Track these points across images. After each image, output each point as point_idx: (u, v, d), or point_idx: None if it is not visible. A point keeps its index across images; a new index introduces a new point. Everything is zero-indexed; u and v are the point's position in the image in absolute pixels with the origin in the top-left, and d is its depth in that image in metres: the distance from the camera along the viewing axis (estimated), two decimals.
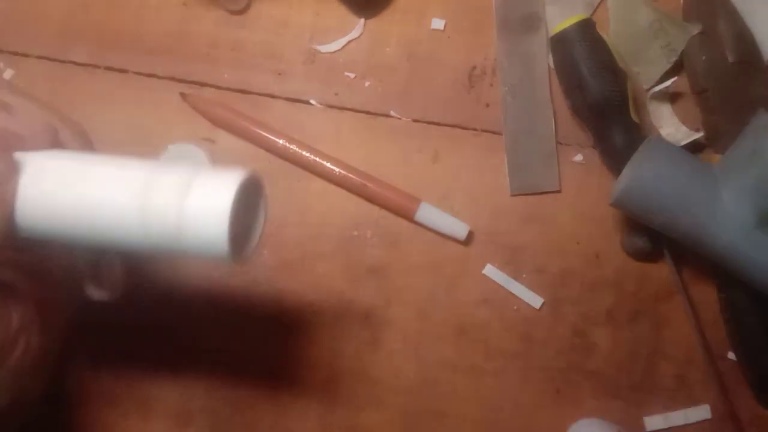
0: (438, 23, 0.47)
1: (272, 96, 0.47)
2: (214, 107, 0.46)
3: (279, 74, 0.47)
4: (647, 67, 0.47)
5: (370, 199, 0.46)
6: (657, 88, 0.45)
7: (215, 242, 0.27)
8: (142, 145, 0.46)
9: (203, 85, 0.47)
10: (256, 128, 0.46)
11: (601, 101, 0.43)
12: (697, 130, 0.46)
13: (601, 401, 0.46)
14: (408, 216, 0.46)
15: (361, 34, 0.47)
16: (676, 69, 0.47)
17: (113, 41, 0.47)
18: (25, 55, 0.47)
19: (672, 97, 0.47)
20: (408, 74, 0.47)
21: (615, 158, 0.45)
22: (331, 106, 0.47)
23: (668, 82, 0.45)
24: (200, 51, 0.47)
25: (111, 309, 0.45)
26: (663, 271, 0.46)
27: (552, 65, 0.47)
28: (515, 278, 0.46)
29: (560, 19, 0.45)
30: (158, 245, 0.29)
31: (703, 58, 0.45)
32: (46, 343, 0.36)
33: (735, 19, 0.45)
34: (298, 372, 0.46)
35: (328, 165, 0.46)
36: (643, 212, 0.41)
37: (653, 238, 0.45)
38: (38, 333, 0.35)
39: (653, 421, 0.46)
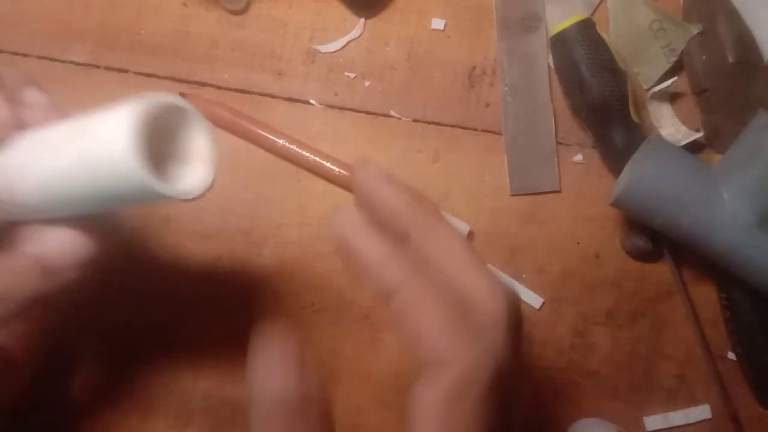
0: (438, 23, 0.47)
1: (272, 96, 0.47)
2: (214, 107, 0.46)
3: (279, 74, 0.47)
4: (647, 67, 0.47)
5: None
6: (657, 88, 0.45)
7: (127, 169, 0.25)
8: None
9: (203, 85, 0.47)
10: (256, 128, 0.46)
11: (601, 101, 0.43)
12: (697, 130, 0.46)
13: (601, 401, 0.46)
14: None
15: (361, 34, 0.47)
16: (676, 69, 0.47)
17: (113, 41, 0.47)
18: (25, 55, 0.47)
19: (672, 97, 0.47)
20: (408, 74, 0.47)
21: (615, 158, 0.45)
22: (331, 106, 0.47)
23: (668, 82, 0.45)
24: (200, 51, 0.47)
25: (110, 311, 0.45)
26: (663, 271, 0.46)
27: (552, 65, 0.47)
28: (515, 278, 0.46)
29: (560, 19, 0.45)
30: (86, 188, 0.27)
31: (703, 58, 0.45)
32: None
33: (735, 19, 0.45)
34: None
35: (328, 165, 0.46)
36: (643, 212, 0.41)
37: (653, 238, 0.45)
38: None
39: (653, 421, 0.46)
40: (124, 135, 0.25)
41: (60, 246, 0.30)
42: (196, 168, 0.29)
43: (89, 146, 0.27)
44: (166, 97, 0.27)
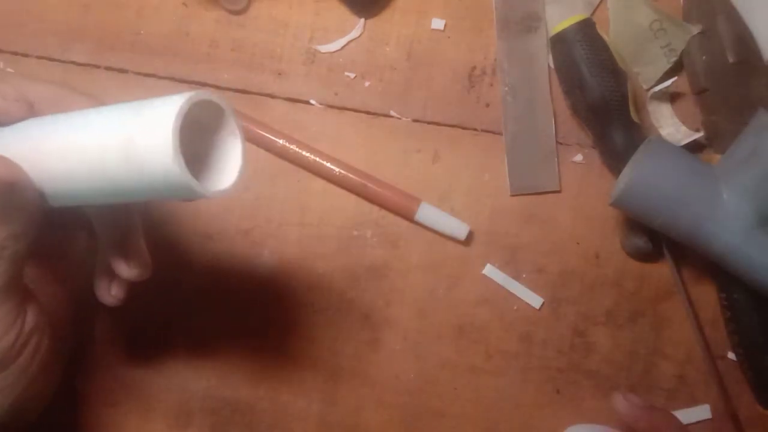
0: (438, 23, 0.47)
1: (272, 96, 0.47)
2: None
3: (279, 74, 0.47)
4: (647, 67, 0.47)
5: (370, 199, 0.46)
6: (657, 88, 0.45)
7: (165, 166, 0.26)
8: None
9: (203, 85, 0.47)
10: (256, 128, 0.46)
11: (601, 101, 0.43)
12: (697, 130, 0.46)
13: (601, 401, 0.46)
14: (408, 216, 0.46)
15: (361, 34, 0.47)
16: (676, 69, 0.47)
17: (113, 41, 0.47)
18: (25, 55, 0.47)
19: (672, 97, 0.47)
20: (408, 74, 0.47)
21: (615, 158, 0.45)
22: (331, 106, 0.47)
23: (668, 82, 0.45)
24: (200, 51, 0.47)
25: (109, 312, 0.46)
26: (663, 271, 0.46)
27: (552, 65, 0.47)
28: (515, 278, 0.46)
29: (560, 19, 0.45)
30: (119, 184, 0.28)
31: (703, 58, 0.45)
32: (55, 345, 0.36)
33: (735, 19, 0.45)
34: (298, 372, 0.46)
35: (328, 165, 0.46)
36: (643, 212, 0.41)
37: (653, 238, 0.45)
38: (49, 336, 0.35)
39: None
40: (167, 139, 0.25)
41: None
42: (226, 164, 0.29)
43: (129, 146, 0.27)
44: (204, 95, 0.27)
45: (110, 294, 0.37)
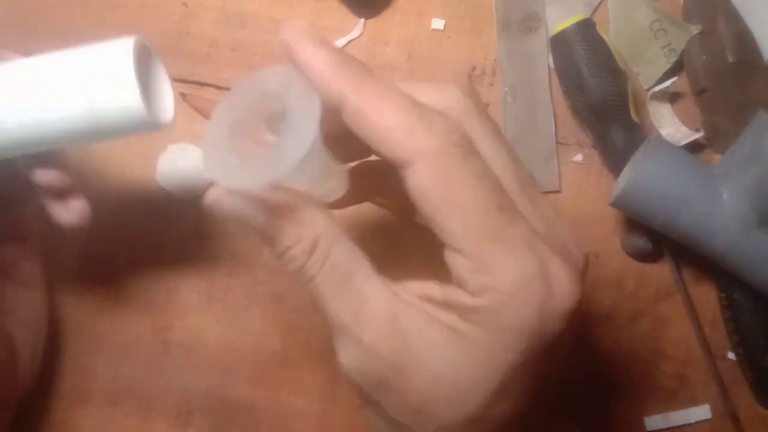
0: (438, 23, 0.47)
1: None
2: (214, 107, 0.46)
3: None
4: (647, 67, 0.47)
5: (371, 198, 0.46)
6: (657, 88, 0.45)
7: (129, 102, 0.28)
8: (142, 144, 0.46)
9: (203, 85, 0.47)
10: None
11: (601, 101, 0.43)
12: (697, 130, 0.46)
13: (601, 401, 0.46)
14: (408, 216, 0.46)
15: (361, 34, 0.47)
16: (676, 69, 0.47)
17: None
18: (26, 55, 0.47)
19: (672, 97, 0.47)
20: (408, 74, 0.47)
21: (615, 158, 0.45)
22: None
23: (668, 82, 0.45)
24: (200, 51, 0.47)
25: (110, 311, 0.46)
26: (663, 271, 0.46)
27: (552, 65, 0.47)
28: None
29: (560, 19, 0.45)
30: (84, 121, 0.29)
31: (703, 58, 0.45)
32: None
33: (735, 19, 0.45)
34: (298, 372, 0.46)
35: None
36: (643, 212, 0.42)
37: (653, 238, 0.45)
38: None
39: (653, 421, 0.46)
40: (132, 82, 0.28)
41: None
42: (163, 101, 0.32)
43: (92, 93, 0.28)
44: (136, 38, 0.29)
45: (70, 210, 0.34)
